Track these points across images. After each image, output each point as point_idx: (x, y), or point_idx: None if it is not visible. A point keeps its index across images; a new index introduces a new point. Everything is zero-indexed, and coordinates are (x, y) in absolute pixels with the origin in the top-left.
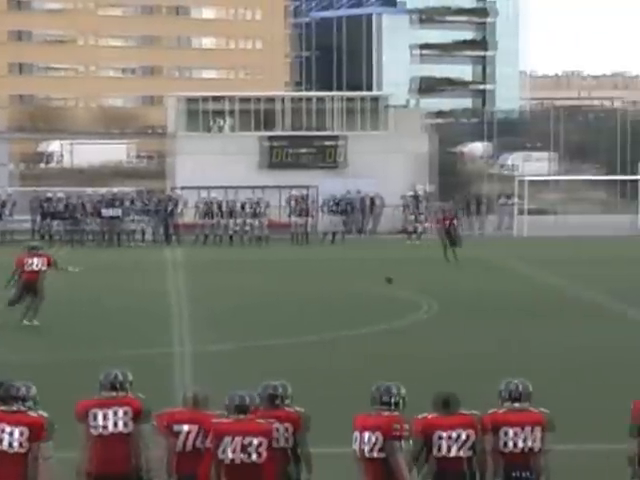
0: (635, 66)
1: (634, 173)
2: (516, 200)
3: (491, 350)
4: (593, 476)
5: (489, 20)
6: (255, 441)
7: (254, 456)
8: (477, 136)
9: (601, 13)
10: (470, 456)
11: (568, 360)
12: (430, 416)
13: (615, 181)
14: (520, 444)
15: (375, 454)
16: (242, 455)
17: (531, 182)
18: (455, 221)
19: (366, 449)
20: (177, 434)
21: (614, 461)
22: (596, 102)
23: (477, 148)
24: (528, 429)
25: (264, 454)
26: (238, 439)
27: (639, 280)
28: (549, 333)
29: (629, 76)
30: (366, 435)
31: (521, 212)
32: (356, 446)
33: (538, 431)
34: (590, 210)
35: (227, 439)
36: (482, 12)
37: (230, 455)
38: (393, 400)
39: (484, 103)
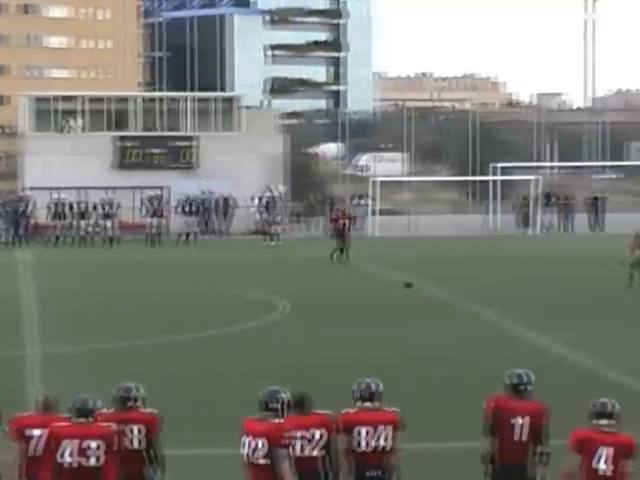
0: (485, 68)
1: (484, 174)
2: (370, 201)
3: (343, 350)
4: (444, 475)
5: (342, 21)
6: (94, 444)
7: (92, 460)
8: (331, 137)
9: (452, 15)
10: (324, 455)
11: (419, 359)
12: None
13: (466, 182)
14: (372, 443)
15: (261, 460)
16: (80, 459)
17: (383, 183)
18: (347, 222)
19: (252, 455)
20: (28, 439)
21: (468, 460)
22: (447, 104)
23: (330, 149)
24: (381, 428)
25: (103, 458)
26: (76, 443)
27: (491, 280)
28: (401, 332)
29: (479, 78)
30: (252, 441)
31: (374, 213)
32: (243, 451)
33: (390, 430)
34: (442, 210)
35: (66, 443)
36: (335, 13)
37: (68, 459)
38: (279, 406)
39: (337, 104)
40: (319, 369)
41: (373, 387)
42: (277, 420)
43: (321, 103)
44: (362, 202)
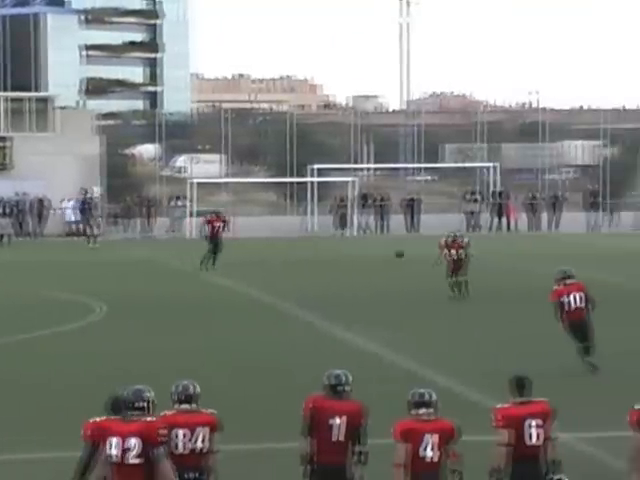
0: (302, 70)
1: (302, 175)
2: (188, 203)
3: (161, 350)
4: (263, 476)
5: (158, 22)
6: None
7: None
8: (148, 138)
9: (269, 17)
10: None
11: (237, 360)
12: (105, 419)
13: (284, 183)
14: (190, 445)
15: (134, 460)
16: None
17: (201, 184)
18: (222, 225)
19: (123, 455)
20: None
21: (287, 460)
22: (265, 105)
23: (147, 150)
24: (198, 430)
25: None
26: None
27: (309, 282)
28: (218, 334)
29: (296, 79)
30: (123, 440)
31: (191, 214)
32: (112, 452)
33: (207, 432)
34: (260, 212)
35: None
36: (151, 14)
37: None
38: (145, 405)
39: (155, 105)
40: (130, 376)
41: (191, 389)
42: (148, 418)
43: (138, 104)
44: (180, 204)
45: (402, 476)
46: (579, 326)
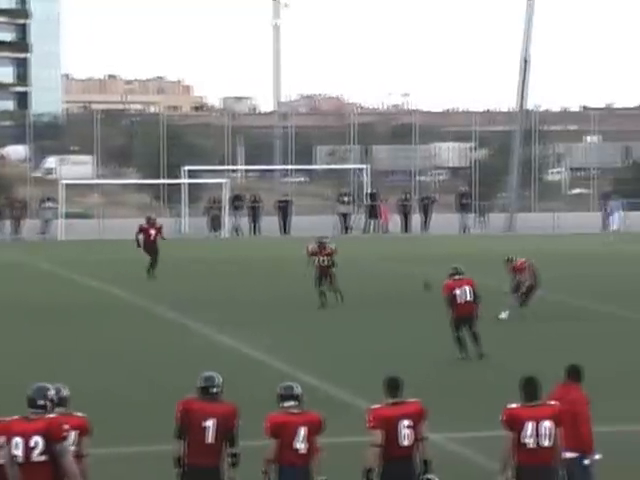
0: (174, 71)
1: (174, 177)
2: (59, 205)
3: (29, 352)
4: (135, 479)
5: (27, 22)
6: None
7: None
8: (17, 139)
9: (141, 17)
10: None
11: (108, 361)
12: (10, 420)
13: (157, 185)
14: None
15: (39, 458)
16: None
17: (73, 186)
18: (155, 232)
19: (28, 453)
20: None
21: (160, 463)
22: (137, 106)
23: (16, 151)
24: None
25: None
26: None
27: (182, 283)
28: (91, 336)
29: (168, 81)
30: (26, 439)
31: (61, 216)
32: (16, 452)
33: (76, 435)
34: (132, 214)
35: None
36: (20, 13)
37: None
38: (47, 402)
39: (24, 106)
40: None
41: (61, 392)
42: (49, 415)
43: (7, 104)
44: (50, 205)
45: (272, 471)
46: (467, 319)
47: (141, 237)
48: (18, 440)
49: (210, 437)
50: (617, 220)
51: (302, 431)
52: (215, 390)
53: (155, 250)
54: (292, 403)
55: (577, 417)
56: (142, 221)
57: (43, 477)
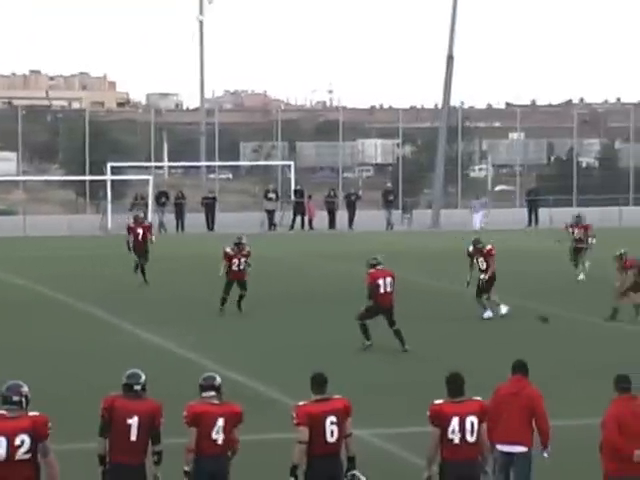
0: (98, 67)
1: (99, 173)
2: None
3: None
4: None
5: None
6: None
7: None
8: None
9: (63, 12)
10: None
11: (34, 361)
12: None
13: (81, 181)
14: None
15: (24, 456)
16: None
17: None
18: (142, 230)
19: (12, 452)
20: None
21: (84, 461)
22: (61, 102)
23: None
24: None
25: None
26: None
27: (104, 280)
28: (13, 329)
29: (93, 77)
30: (10, 438)
31: None
32: (1, 451)
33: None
34: (57, 210)
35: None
36: None
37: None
38: (23, 399)
39: None
40: None
41: (23, 388)
42: (31, 413)
43: None
44: None
45: (191, 460)
46: (387, 309)
47: (130, 238)
48: (1, 439)
49: (134, 435)
50: (480, 219)
51: (220, 422)
52: (139, 387)
53: (144, 250)
54: (212, 393)
55: (535, 412)
56: (67, 218)
57: (25, 475)
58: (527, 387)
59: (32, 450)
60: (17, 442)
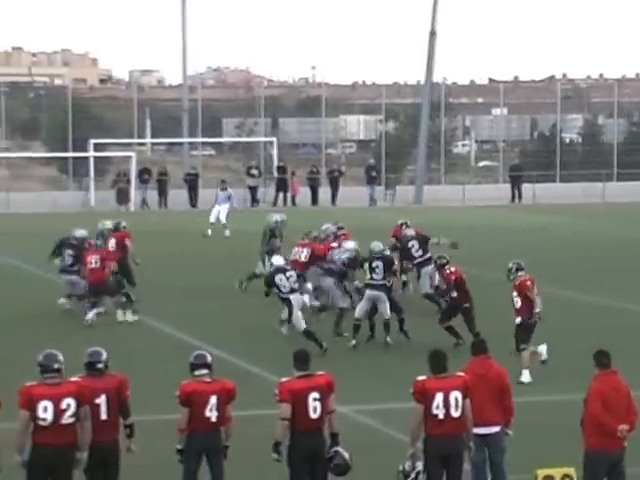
0: (80, 43)
1: (82, 150)
2: None
3: None
4: None
5: None
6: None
7: None
8: None
9: None
10: None
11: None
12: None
13: (64, 158)
14: None
15: (69, 420)
16: None
17: None
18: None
19: (59, 416)
20: None
21: None
22: (43, 79)
23: None
24: None
25: None
26: None
27: None
28: None
29: (75, 53)
30: (56, 402)
31: None
32: (45, 415)
33: None
34: (39, 187)
35: None
36: None
37: None
38: (61, 366)
39: None
40: None
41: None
42: (73, 379)
43: None
44: None
45: (184, 439)
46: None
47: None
48: (46, 403)
49: (104, 413)
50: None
51: (213, 399)
52: (101, 365)
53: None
54: (204, 371)
55: (503, 390)
56: (49, 195)
57: (69, 438)
58: (494, 366)
59: (76, 415)
60: (63, 406)
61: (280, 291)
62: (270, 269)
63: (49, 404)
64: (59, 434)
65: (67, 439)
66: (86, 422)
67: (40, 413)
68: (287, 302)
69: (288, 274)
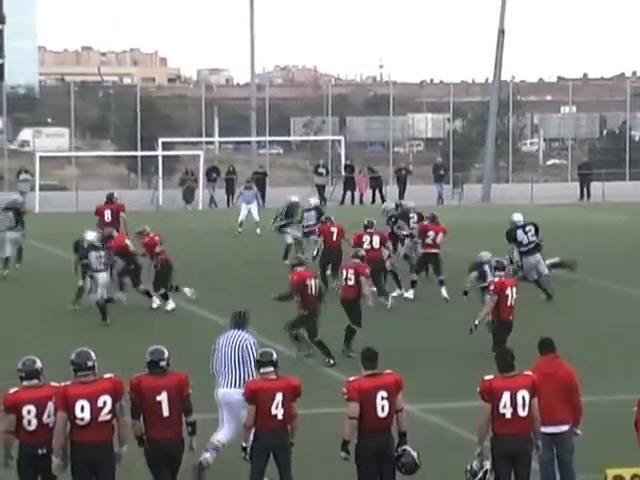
0: (150, 42)
1: (150, 149)
2: (37, 177)
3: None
4: None
5: None
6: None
7: None
8: None
9: None
10: None
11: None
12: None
13: (133, 157)
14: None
15: (106, 417)
16: None
17: (47, 158)
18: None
19: (96, 414)
20: None
21: None
22: (112, 78)
23: None
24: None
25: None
26: None
27: None
28: (46, 305)
29: (144, 52)
30: (92, 401)
31: (35, 188)
32: (82, 414)
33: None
34: (108, 186)
35: None
36: None
37: None
38: (94, 363)
39: (1, 77)
40: None
41: (37, 364)
42: (106, 376)
43: None
44: (27, 177)
45: (249, 437)
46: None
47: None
48: (83, 403)
49: (166, 410)
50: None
51: (279, 396)
52: (164, 363)
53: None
54: (270, 369)
55: (572, 389)
56: (121, 193)
57: (107, 435)
58: (562, 366)
59: (113, 411)
60: (99, 404)
61: (90, 267)
62: (85, 243)
63: (85, 403)
64: (97, 431)
65: (105, 436)
66: (123, 417)
67: (77, 413)
68: (93, 279)
69: (101, 253)
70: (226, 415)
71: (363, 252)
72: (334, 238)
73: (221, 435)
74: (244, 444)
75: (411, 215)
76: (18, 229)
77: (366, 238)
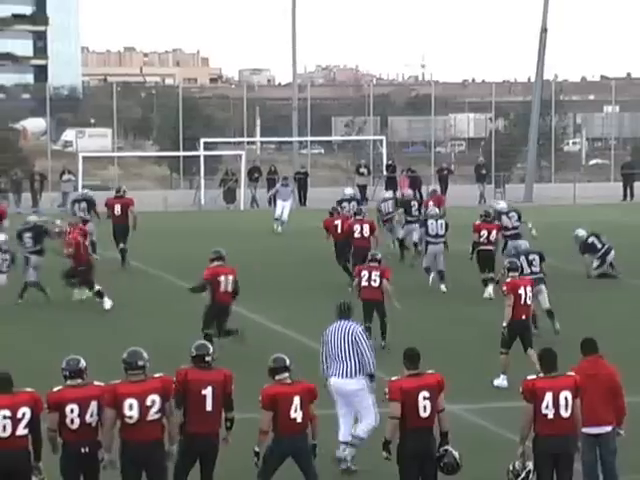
0: (191, 43)
1: (192, 149)
2: (80, 177)
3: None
4: None
5: None
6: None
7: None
8: (36, 112)
9: None
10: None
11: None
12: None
13: (175, 157)
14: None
15: (155, 416)
16: None
17: (91, 158)
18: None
19: (146, 412)
20: None
21: None
22: (155, 78)
23: (36, 124)
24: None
25: None
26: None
27: (203, 252)
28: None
29: (186, 53)
30: (143, 399)
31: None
32: (131, 412)
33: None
34: (150, 186)
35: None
36: None
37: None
38: (146, 363)
39: (43, 79)
40: None
41: (81, 363)
42: (156, 375)
43: (26, 78)
44: (70, 178)
45: (263, 442)
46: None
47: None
48: (132, 401)
49: (209, 405)
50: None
51: (297, 400)
52: (209, 358)
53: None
54: (285, 375)
55: (615, 390)
56: (161, 193)
57: (157, 434)
58: (605, 366)
59: (162, 410)
60: (148, 402)
61: (25, 248)
62: (22, 225)
63: (134, 402)
64: (146, 430)
65: (154, 435)
66: (172, 417)
67: (126, 411)
68: (27, 259)
69: (32, 234)
70: (342, 407)
71: (379, 255)
72: (338, 231)
73: (359, 429)
74: (256, 449)
75: (510, 215)
76: (92, 220)
77: (357, 227)
